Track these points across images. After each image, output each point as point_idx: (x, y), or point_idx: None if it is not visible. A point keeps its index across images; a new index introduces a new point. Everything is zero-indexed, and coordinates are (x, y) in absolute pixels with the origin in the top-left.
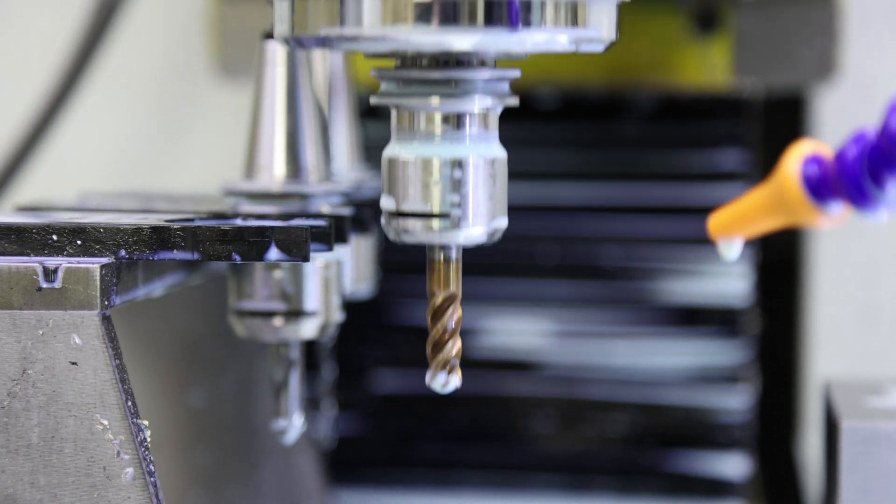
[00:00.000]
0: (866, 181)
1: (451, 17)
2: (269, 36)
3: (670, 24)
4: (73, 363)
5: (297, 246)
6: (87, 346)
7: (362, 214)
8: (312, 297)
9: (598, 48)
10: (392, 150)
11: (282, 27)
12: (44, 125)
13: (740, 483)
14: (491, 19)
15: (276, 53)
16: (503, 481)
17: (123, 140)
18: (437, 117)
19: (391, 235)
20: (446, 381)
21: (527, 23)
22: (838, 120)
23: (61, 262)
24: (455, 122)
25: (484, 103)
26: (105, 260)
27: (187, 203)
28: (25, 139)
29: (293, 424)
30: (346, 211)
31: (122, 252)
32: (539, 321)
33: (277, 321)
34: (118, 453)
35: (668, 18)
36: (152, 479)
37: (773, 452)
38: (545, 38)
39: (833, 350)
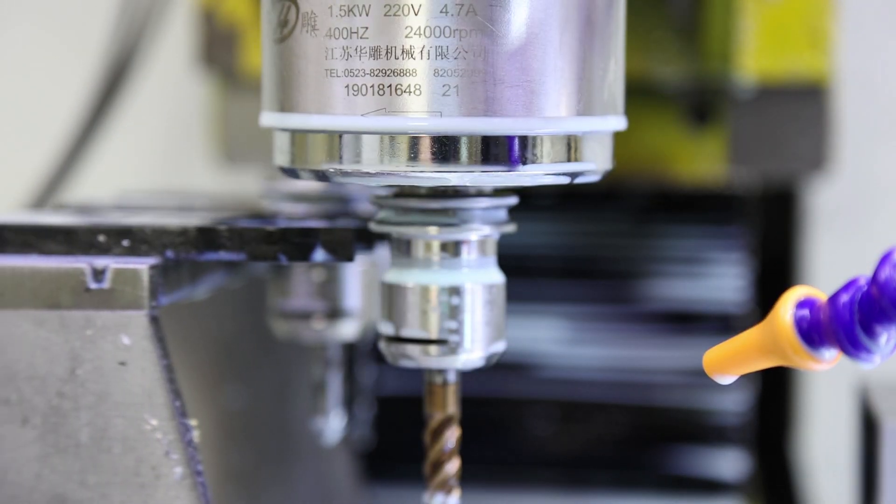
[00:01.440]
0: (857, 330)
1: (448, 155)
2: None
3: (665, 116)
4: (122, 363)
5: (343, 246)
6: (136, 347)
7: None
8: (353, 298)
9: (595, 179)
10: (391, 276)
11: (282, 158)
12: (41, 205)
13: (738, 482)
14: (488, 158)
15: None
16: (501, 481)
17: None
18: (436, 245)
19: (389, 359)
20: (444, 502)
21: (523, 160)
22: (833, 214)
23: (109, 263)
24: (453, 249)
25: (482, 232)
26: (152, 260)
27: (227, 203)
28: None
29: (332, 425)
30: None
31: (169, 252)
32: (537, 322)
33: (318, 322)
34: (167, 453)
35: (664, 111)
36: (200, 478)
37: (770, 452)
38: (542, 173)
39: None
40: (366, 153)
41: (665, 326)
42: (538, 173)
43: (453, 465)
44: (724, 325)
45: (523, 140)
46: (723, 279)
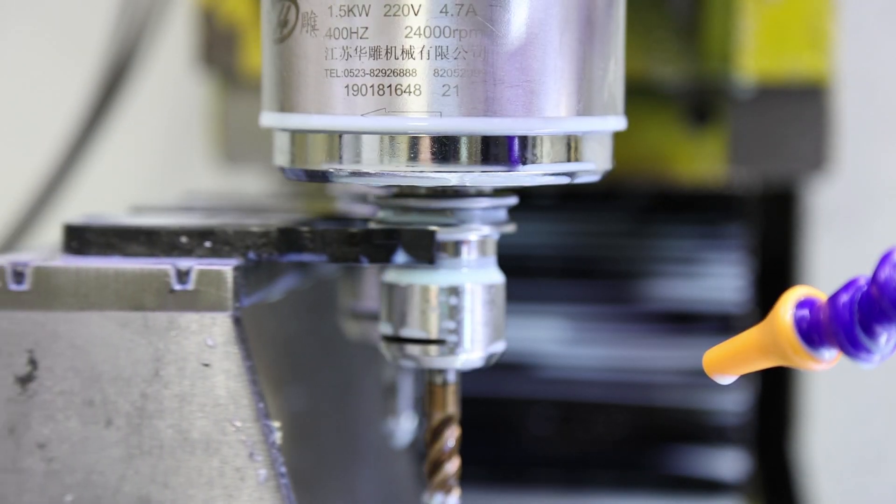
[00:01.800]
0: (857, 330)
1: (448, 155)
2: None
3: (665, 116)
4: (206, 364)
5: (424, 248)
6: (220, 348)
7: None
8: None
9: (594, 178)
10: (390, 276)
11: (282, 158)
12: (42, 208)
13: (737, 482)
14: (487, 158)
15: None
16: (500, 481)
17: None
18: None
19: (389, 359)
20: (444, 502)
21: (523, 160)
22: (834, 211)
23: (193, 264)
24: (453, 249)
25: (481, 232)
26: (235, 261)
27: (297, 204)
28: (23, 218)
29: (403, 427)
30: None
31: (251, 254)
32: (537, 322)
33: None
34: (251, 454)
35: (663, 111)
36: (284, 479)
37: (770, 451)
38: (541, 173)
39: None
40: (366, 153)
41: (665, 326)
42: (538, 173)
43: (453, 465)
44: (723, 325)
45: (523, 140)
46: (722, 279)
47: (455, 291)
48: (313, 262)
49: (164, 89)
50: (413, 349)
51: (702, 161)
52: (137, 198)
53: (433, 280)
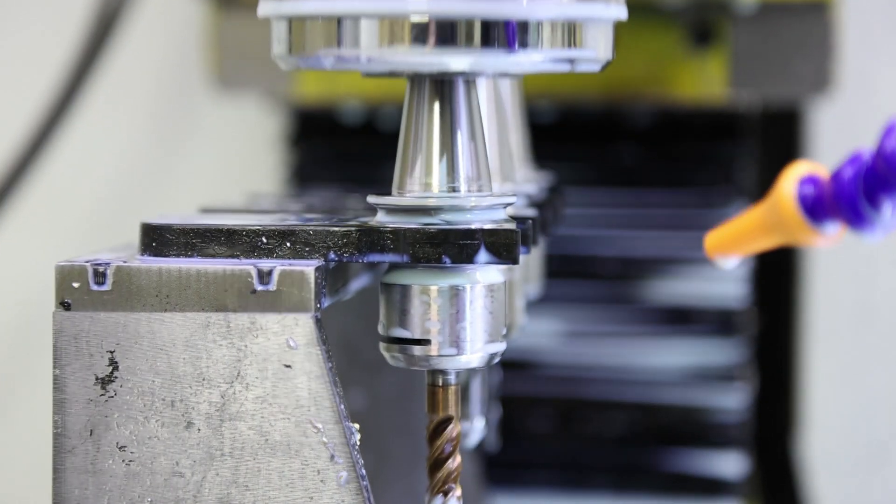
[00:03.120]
0: (862, 202)
1: (447, 37)
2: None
3: (667, 38)
4: (287, 366)
5: (507, 248)
6: (302, 349)
7: (544, 216)
8: None
9: (595, 68)
10: (390, 277)
11: (279, 47)
12: (42, 139)
13: (737, 482)
14: (488, 40)
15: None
16: (501, 480)
17: (121, 153)
18: None
19: (389, 360)
20: (444, 502)
21: (523, 44)
22: (836, 133)
23: (275, 265)
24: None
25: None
26: (316, 262)
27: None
28: (24, 153)
29: (475, 428)
30: (531, 212)
31: (332, 254)
32: (537, 321)
33: None
34: (332, 457)
35: (665, 33)
36: (365, 482)
37: (770, 451)
38: (542, 58)
39: (829, 349)
40: (364, 37)
41: (664, 326)
42: (538, 59)
43: (453, 465)
44: (723, 320)
45: (523, 24)
46: (723, 279)
47: (455, 291)
48: (394, 262)
49: (163, 14)
50: (413, 350)
51: (704, 83)
52: (139, 127)
53: (433, 280)
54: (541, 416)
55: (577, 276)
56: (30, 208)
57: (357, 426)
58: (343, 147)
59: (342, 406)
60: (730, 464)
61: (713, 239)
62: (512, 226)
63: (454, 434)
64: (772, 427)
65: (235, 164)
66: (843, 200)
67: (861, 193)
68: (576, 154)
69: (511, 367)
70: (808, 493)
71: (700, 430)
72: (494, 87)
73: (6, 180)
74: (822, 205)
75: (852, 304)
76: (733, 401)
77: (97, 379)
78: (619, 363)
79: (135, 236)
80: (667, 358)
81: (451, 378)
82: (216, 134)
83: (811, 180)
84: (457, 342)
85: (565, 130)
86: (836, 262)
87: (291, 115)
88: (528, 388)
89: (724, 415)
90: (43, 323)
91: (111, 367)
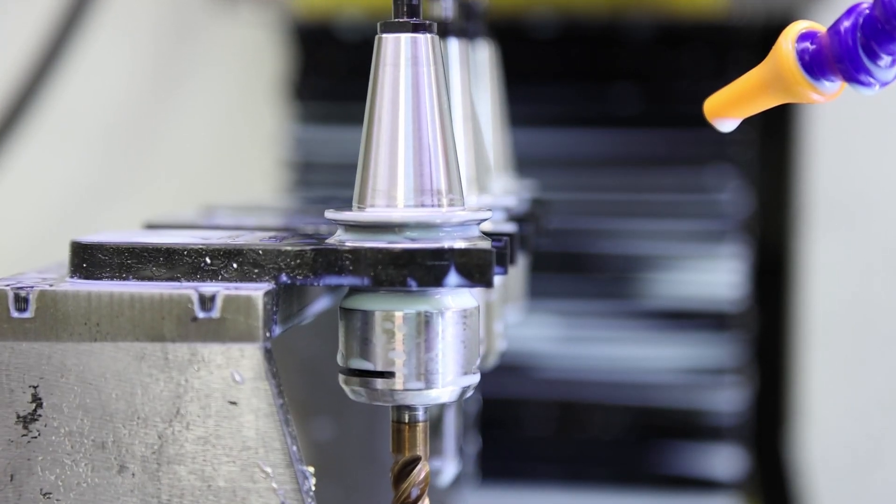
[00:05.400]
0: (860, 53)
1: None
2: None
3: None
4: (233, 402)
5: (481, 270)
6: (248, 383)
7: (525, 231)
8: None
9: None
10: (350, 302)
11: None
12: (43, 70)
13: (735, 480)
14: None
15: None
16: (500, 479)
17: (124, 83)
18: None
19: (350, 395)
20: None
21: None
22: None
23: (219, 289)
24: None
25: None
26: (266, 286)
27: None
28: (22, 89)
29: (448, 468)
30: (509, 228)
31: (284, 277)
32: (537, 322)
33: None
34: None
35: None
36: None
37: (767, 450)
38: None
39: (826, 348)
40: None
41: (662, 325)
42: None
43: None
44: (720, 319)
45: None
46: (719, 273)
47: (425, 318)
48: (354, 285)
49: None
50: (376, 383)
51: None
52: (141, 52)
53: (397, 306)
54: (539, 416)
55: (574, 272)
56: (32, 149)
57: (312, 469)
58: (343, 61)
59: (294, 448)
60: (727, 462)
61: (712, 102)
62: (486, 244)
63: (422, 476)
64: (769, 426)
65: (236, 85)
66: (841, 52)
67: (858, 45)
68: (574, 71)
69: (509, 368)
70: (804, 490)
71: (697, 428)
72: (469, 88)
73: (5, 116)
74: (820, 60)
75: (849, 303)
76: (731, 400)
77: (18, 417)
78: (617, 363)
79: (139, 173)
80: (665, 357)
81: (419, 415)
82: (217, 53)
83: (810, 36)
84: (425, 375)
85: (564, 44)
86: (832, 261)
87: (291, 29)
88: (527, 389)
89: (721, 414)
90: None
91: (34, 405)
